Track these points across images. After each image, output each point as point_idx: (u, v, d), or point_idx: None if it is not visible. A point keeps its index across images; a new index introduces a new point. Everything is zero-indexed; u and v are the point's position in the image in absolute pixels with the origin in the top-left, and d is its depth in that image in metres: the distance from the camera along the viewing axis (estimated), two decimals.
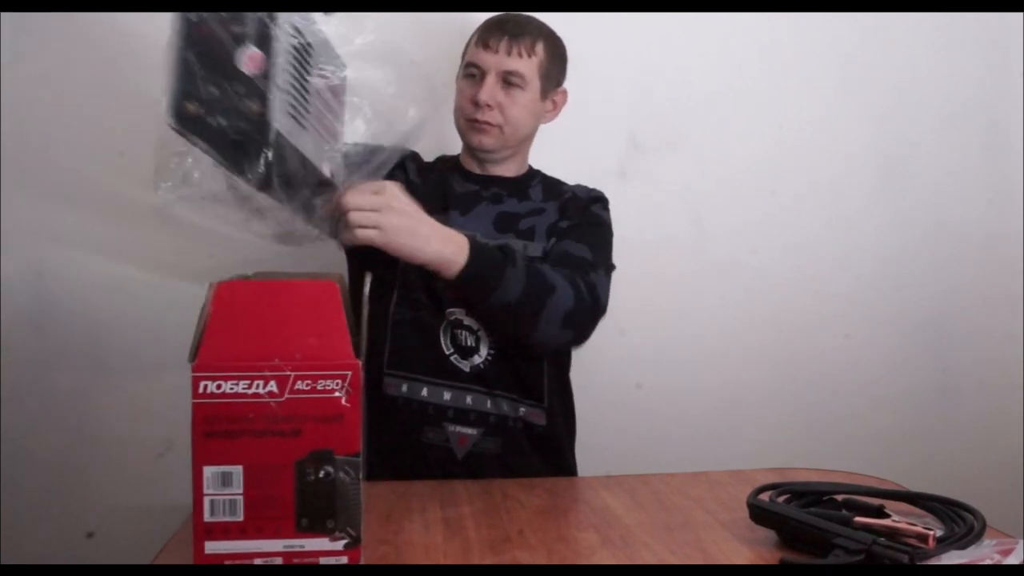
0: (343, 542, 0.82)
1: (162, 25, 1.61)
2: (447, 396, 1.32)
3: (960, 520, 0.92)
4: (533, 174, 1.47)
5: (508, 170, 1.43)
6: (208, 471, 0.82)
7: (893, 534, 0.86)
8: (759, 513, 0.95)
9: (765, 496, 0.98)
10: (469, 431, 1.32)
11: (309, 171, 0.98)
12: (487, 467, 1.32)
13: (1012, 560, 0.80)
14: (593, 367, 1.67)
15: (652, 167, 1.75)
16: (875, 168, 1.83)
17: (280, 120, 0.89)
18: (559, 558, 0.93)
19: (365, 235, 1.08)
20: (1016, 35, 1.83)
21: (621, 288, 1.72)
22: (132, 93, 1.60)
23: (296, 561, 0.82)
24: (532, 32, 1.37)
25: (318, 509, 0.82)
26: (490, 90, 1.34)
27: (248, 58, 0.86)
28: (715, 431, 1.78)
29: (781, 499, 0.98)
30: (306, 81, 0.97)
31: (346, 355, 0.83)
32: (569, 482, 1.35)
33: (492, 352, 1.33)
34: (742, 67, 1.77)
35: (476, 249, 1.17)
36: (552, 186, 1.45)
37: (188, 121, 0.84)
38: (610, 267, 1.38)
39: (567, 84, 1.47)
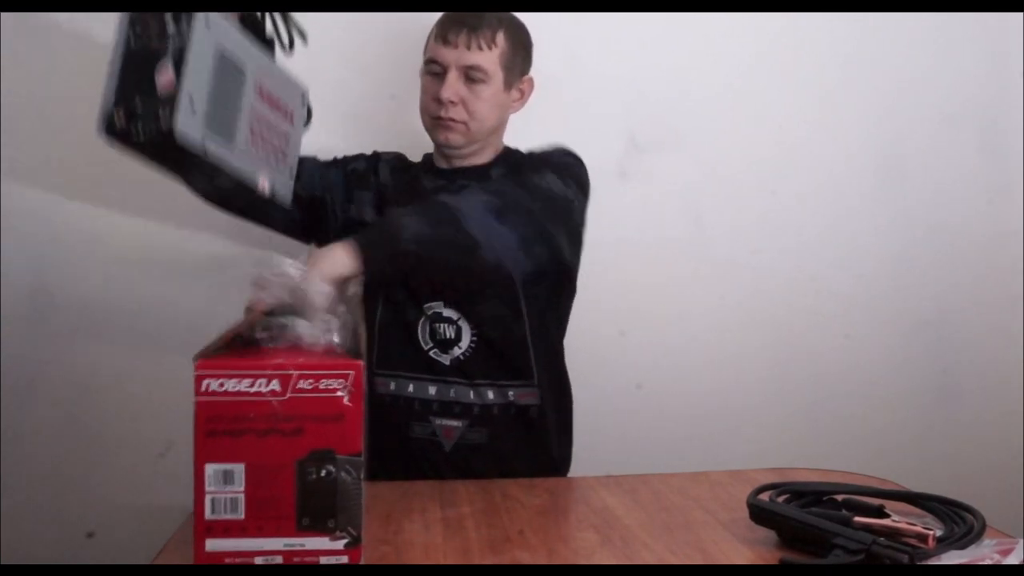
0: (343, 541, 0.83)
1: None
2: (432, 390, 1.34)
3: (960, 520, 0.92)
4: (507, 156, 1.44)
5: (478, 160, 1.41)
6: (210, 469, 0.82)
7: (893, 534, 0.86)
8: (759, 513, 0.95)
9: (765, 496, 0.98)
10: (454, 423, 1.34)
11: (240, 185, 1.02)
12: (475, 458, 1.33)
13: (1012, 560, 0.80)
14: (593, 367, 1.67)
15: (652, 167, 1.75)
16: (875, 168, 1.83)
17: (189, 134, 0.92)
18: (559, 558, 0.93)
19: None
20: (1016, 35, 1.83)
21: (621, 288, 1.74)
22: None
23: (296, 560, 0.83)
24: (492, 22, 1.34)
25: (319, 508, 0.82)
26: (452, 87, 1.32)
27: (163, 76, 0.91)
28: (715, 431, 1.78)
29: (781, 499, 0.98)
30: (235, 100, 1.00)
31: (348, 355, 0.83)
32: (569, 482, 1.35)
33: (474, 341, 1.34)
34: (742, 67, 1.77)
35: (359, 237, 1.11)
36: (518, 162, 1.42)
37: (114, 131, 0.90)
38: (566, 174, 1.29)
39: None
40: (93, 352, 1.63)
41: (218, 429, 0.82)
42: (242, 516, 0.82)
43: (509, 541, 0.96)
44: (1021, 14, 1.81)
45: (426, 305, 1.34)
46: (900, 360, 1.86)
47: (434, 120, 1.35)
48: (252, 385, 0.82)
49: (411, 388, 1.35)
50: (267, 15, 1.16)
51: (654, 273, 1.76)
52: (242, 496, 0.82)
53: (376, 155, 1.47)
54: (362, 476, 0.84)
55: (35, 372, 1.62)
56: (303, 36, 1.18)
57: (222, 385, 0.82)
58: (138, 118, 0.90)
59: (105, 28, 1.57)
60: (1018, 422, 1.82)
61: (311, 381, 0.82)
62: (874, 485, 1.09)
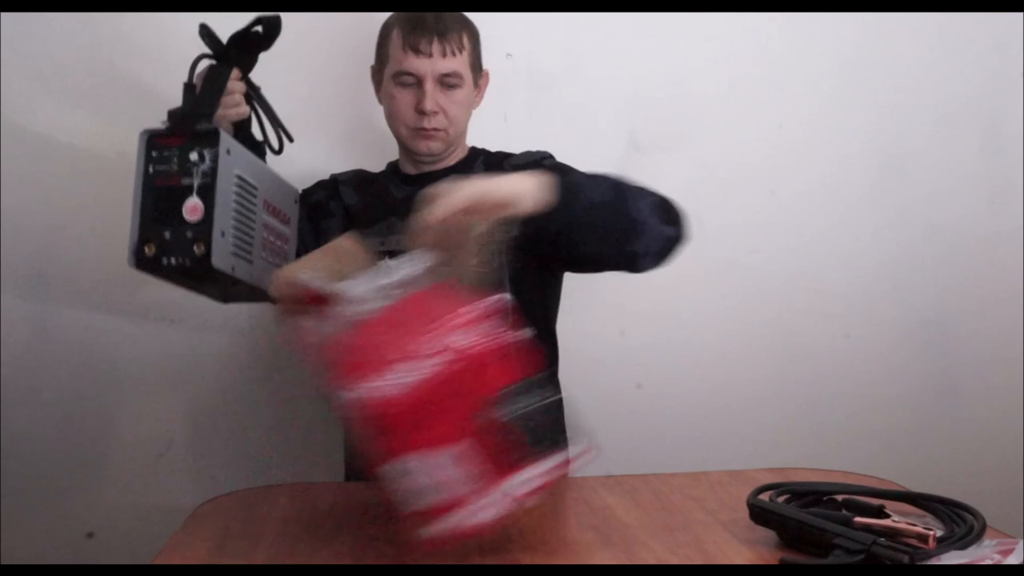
0: (571, 451, 0.81)
1: (161, 26, 1.62)
2: None
3: (960, 520, 0.92)
4: (475, 155, 1.44)
5: (449, 162, 1.41)
6: (406, 462, 0.80)
7: (893, 534, 0.86)
8: (759, 513, 0.95)
9: (765, 496, 0.98)
10: None
11: (257, 292, 1.08)
12: None
13: (1012, 560, 0.80)
14: (593, 367, 1.67)
15: (652, 167, 1.75)
16: (875, 168, 1.83)
17: (222, 260, 0.98)
18: (559, 558, 0.93)
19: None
20: (1016, 35, 1.83)
21: (621, 288, 1.73)
22: (132, 93, 1.61)
23: (527, 492, 0.81)
24: (457, 26, 1.33)
25: (536, 435, 0.82)
26: (433, 97, 1.31)
27: (191, 208, 0.97)
28: (715, 431, 1.78)
29: (781, 499, 0.98)
30: (251, 218, 1.06)
31: (492, 293, 0.84)
32: (569, 482, 1.35)
33: None
34: (742, 67, 1.76)
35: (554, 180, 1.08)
36: (495, 162, 1.42)
37: (146, 261, 0.97)
38: None
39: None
40: (93, 352, 1.63)
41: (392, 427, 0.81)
42: (455, 489, 0.81)
43: (509, 541, 0.96)
44: (1021, 14, 1.81)
45: None
46: (900, 360, 1.86)
47: (413, 131, 1.34)
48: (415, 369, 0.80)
49: None
50: (255, 120, 1.21)
51: (654, 273, 1.76)
52: (458, 468, 0.81)
53: (334, 179, 1.45)
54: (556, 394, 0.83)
55: (35, 373, 1.62)
56: (290, 138, 1.23)
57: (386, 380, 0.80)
58: (169, 250, 0.97)
59: (104, 27, 1.58)
60: (1018, 422, 1.82)
61: (472, 331, 0.81)
62: (874, 485, 1.09)
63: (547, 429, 0.82)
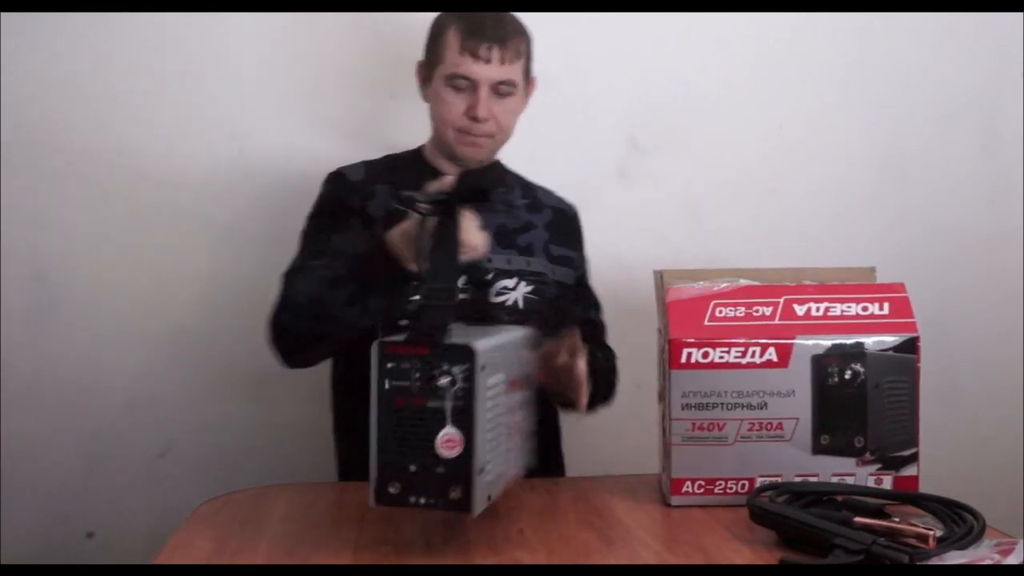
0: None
1: (162, 25, 1.62)
2: None
3: (960, 520, 0.92)
4: (503, 171, 1.43)
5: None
6: None
7: (893, 534, 0.86)
8: (759, 513, 0.95)
9: (765, 496, 0.98)
10: None
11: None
12: None
13: (1012, 560, 0.80)
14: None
15: (652, 167, 1.75)
16: (875, 168, 1.82)
17: (480, 501, 0.86)
18: (559, 558, 0.93)
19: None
20: (1016, 35, 1.82)
21: (621, 289, 1.73)
22: (132, 93, 1.61)
23: None
24: (515, 34, 1.32)
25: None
26: (486, 104, 1.29)
27: (446, 441, 0.83)
28: None
29: (781, 499, 0.98)
30: (501, 422, 0.91)
31: None
32: (569, 482, 1.35)
33: None
34: (742, 67, 1.76)
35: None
36: (528, 192, 1.44)
37: (389, 500, 0.85)
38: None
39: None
40: (93, 352, 1.63)
41: None
42: None
43: (509, 541, 0.96)
44: (1021, 14, 1.81)
45: None
46: None
47: (461, 134, 1.32)
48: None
49: None
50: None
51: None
52: None
53: (353, 182, 1.37)
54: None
55: (35, 372, 1.62)
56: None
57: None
58: (417, 488, 0.84)
59: (104, 28, 1.58)
60: (1018, 422, 1.82)
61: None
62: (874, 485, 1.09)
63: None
